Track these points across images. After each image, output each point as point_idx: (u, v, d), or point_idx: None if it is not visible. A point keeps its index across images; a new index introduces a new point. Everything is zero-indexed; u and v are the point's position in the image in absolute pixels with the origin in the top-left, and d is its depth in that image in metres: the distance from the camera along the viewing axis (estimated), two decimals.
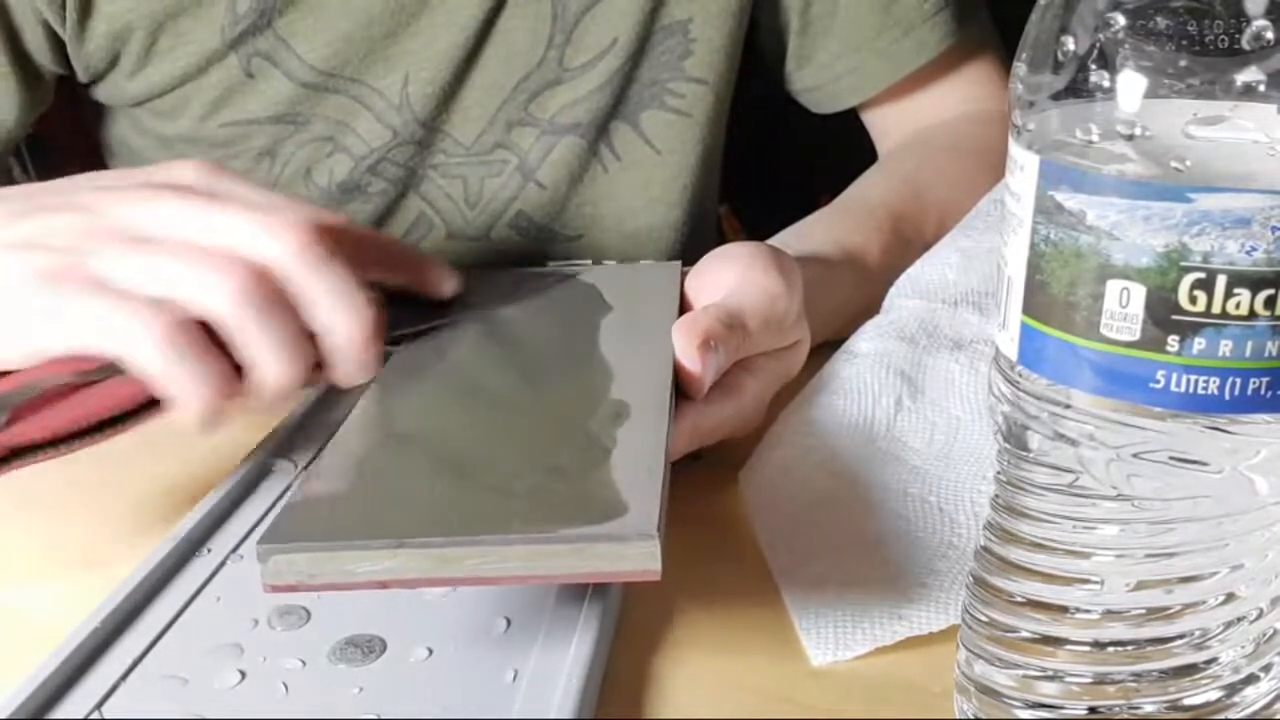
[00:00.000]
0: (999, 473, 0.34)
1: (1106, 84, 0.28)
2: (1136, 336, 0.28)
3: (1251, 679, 0.32)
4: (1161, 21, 0.28)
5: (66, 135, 0.81)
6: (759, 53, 0.78)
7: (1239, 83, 0.27)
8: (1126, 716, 0.31)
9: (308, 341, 0.42)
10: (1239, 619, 0.31)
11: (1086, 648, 0.32)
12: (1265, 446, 0.29)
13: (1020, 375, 0.31)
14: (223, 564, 0.43)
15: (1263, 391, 0.28)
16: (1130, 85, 0.28)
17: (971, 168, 0.69)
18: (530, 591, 0.40)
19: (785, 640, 0.40)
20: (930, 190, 0.70)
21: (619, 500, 0.36)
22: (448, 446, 0.42)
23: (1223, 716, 0.32)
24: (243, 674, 0.37)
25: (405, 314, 0.50)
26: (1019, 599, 0.33)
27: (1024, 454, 0.32)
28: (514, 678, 0.37)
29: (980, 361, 0.51)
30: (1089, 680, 0.32)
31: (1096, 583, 0.31)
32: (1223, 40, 0.27)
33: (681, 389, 0.45)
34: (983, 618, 0.34)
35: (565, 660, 0.37)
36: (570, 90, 0.71)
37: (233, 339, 0.41)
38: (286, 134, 0.70)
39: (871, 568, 0.43)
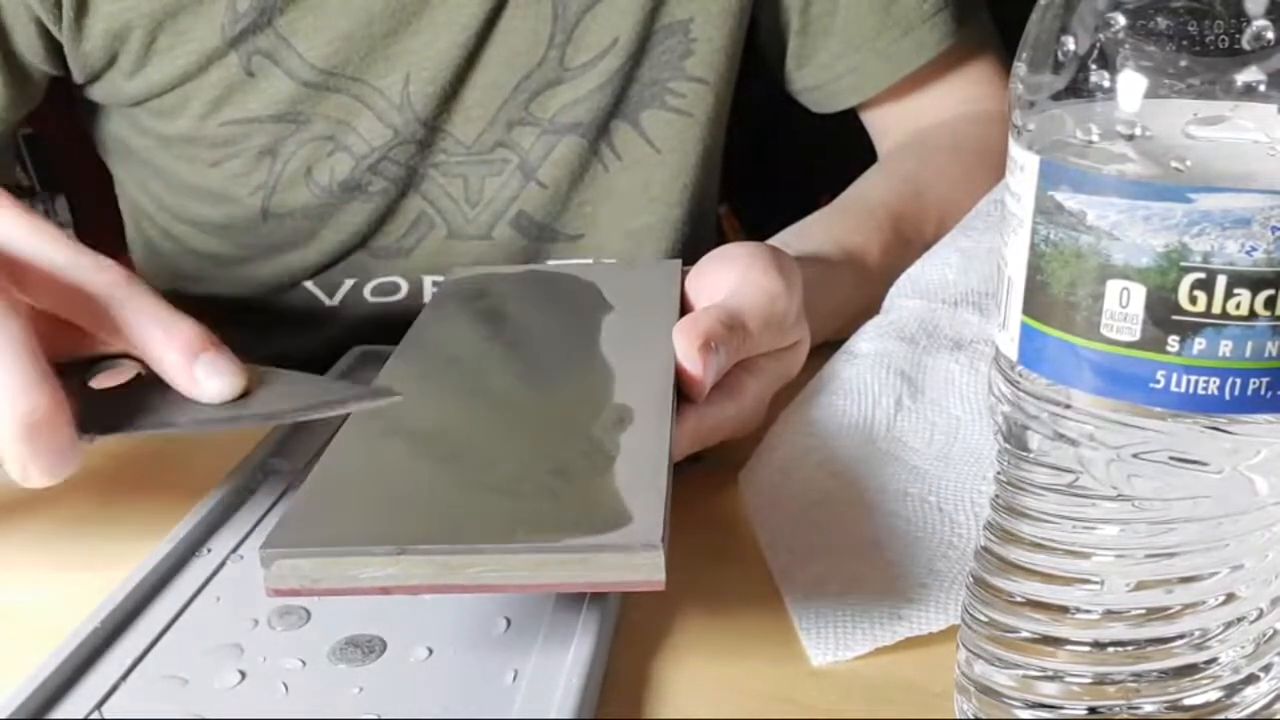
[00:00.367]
0: (999, 473, 0.34)
1: (1107, 84, 0.28)
2: (1136, 337, 0.28)
3: (1251, 679, 0.32)
4: (1162, 21, 0.28)
5: (66, 135, 0.81)
6: (759, 52, 0.78)
7: (1239, 83, 0.27)
8: (1126, 716, 0.31)
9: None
10: (1239, 619, 0.31)
11: (1086, 648, 0.32)
12: (1265, 447, 0.29)
13: (1020, 375, 0.31)
14: (223, 564, 0.43)
15: (1263, 392, 0.28)
16: (1130, 85, 0.28)
17: (971, 168, 0.69)
18: None
19: (785, 640, 0.40)
20: (930, 190, 0.70)
21: (623, 509, 0.36)
22: (449, 447, 0.42)
23: (1223, 717, 0.32)
24: (243, 674, 0.37)
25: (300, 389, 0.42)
26: (1019, 599, 0.33)
27: (1024, 454, 0.32)
28: (514, 678, 0.37)
29: (980, 361, 0.51)
30: (1089, 680, 0.32)
31: (1096, 583, 0.31)
32: (1223, 40, 0.27)
33: (682, 390, 0.45)
34: (983, 618, 0.34)
35: (565, 661, 0.37)
36: (571, 90, 0.71)
37: None
38: (287, 133, 0.70)
39: (871, 568, 0.43)
